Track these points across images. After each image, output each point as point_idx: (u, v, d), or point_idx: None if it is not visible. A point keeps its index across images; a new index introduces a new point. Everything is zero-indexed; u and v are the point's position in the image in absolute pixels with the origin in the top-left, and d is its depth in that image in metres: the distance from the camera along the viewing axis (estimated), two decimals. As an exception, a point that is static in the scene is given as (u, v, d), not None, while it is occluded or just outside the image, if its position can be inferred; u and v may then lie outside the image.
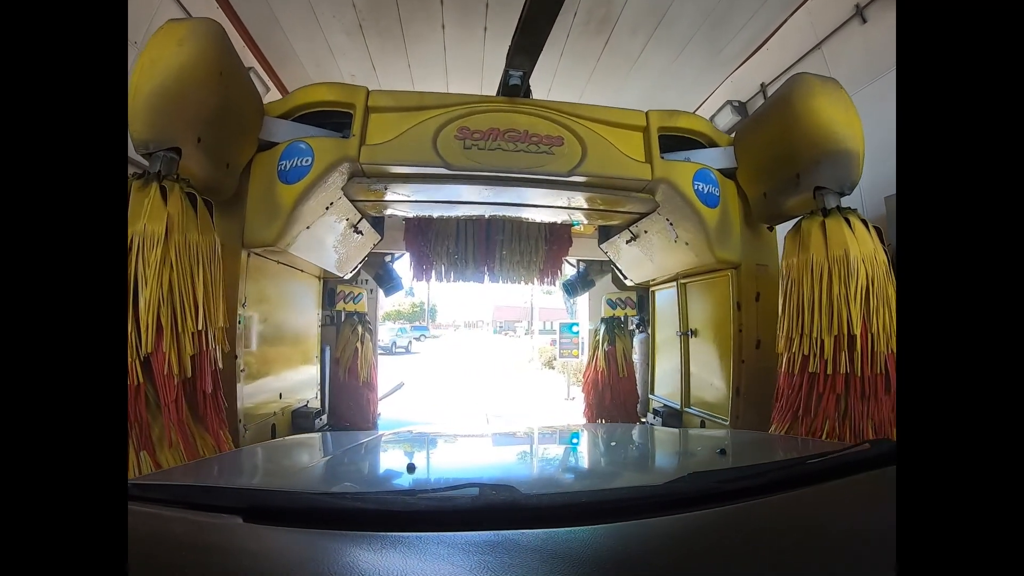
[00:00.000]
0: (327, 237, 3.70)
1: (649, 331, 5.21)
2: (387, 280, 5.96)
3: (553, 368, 16.42)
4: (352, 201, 3.48)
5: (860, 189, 3.05)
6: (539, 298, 26.07)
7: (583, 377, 6.33)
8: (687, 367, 4.37)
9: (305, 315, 4.38)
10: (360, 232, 3.98)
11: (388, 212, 3.85)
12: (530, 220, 5.18)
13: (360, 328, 5.60)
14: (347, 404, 5.18)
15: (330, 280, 4.95)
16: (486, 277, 5.44)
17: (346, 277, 4.78)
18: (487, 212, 3.87)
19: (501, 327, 51.35)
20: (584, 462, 1.95)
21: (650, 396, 5.13)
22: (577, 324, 9.51)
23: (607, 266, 6.35)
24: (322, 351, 5.55)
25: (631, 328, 6.17)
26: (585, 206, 3.63)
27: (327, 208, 3.30)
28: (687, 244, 3.69)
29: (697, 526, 0.85)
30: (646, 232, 4.00)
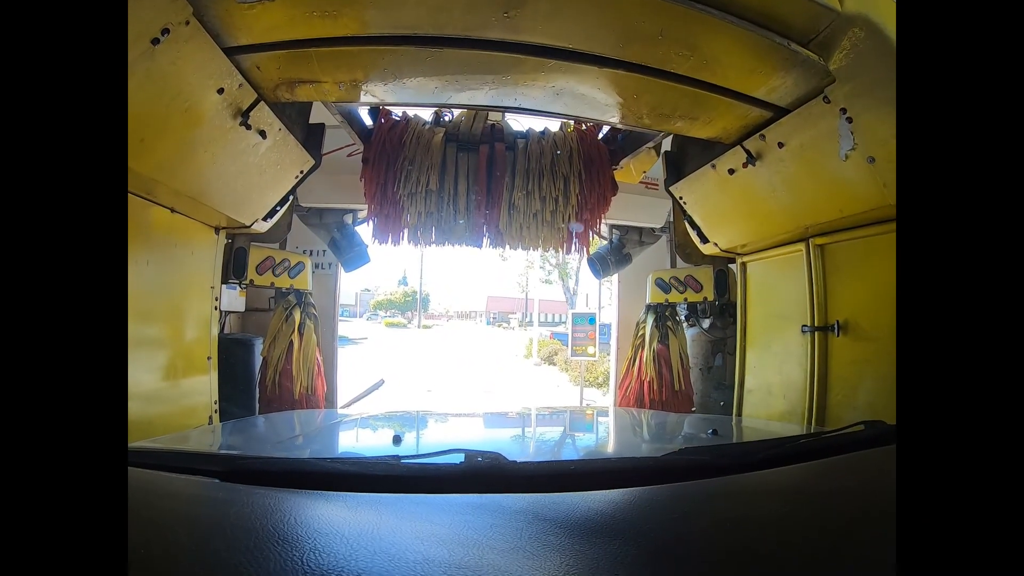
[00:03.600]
0: (185, 129, 1.90)
1: (736, 322, 3.42)
2: (347, 247, 4.19)
3: (554, 364, 14.79)
4: (224, 48, 1.72)
5: None
6: (535, 287, 24.45)
7: (620, 387, 4.56)
8: (822, 384, 2.61)
9: (181, 288, 2.57)
10: (261, 133, 2.17)
11: (299, 80, 2.02)
12: (562, 127, 3.44)
13: (298, 313, 3.81)
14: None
15: (240, 236, 3.14)
16: (485, 239, 3.61)
17: (260, 229, 2.96)
18: (497, 83, 2.02)
19: (495, 318, 49.89)
20: (575, 438, 1.91)
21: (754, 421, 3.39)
22: (594, 314, 7.73)
23: (650, 235, 4.65)
24: (246, 347, 3.80)
25: (679, 319, 4.45)
26: (694, 67, 1.87)
27: (155, 41, 1.51)
28: (871, 161, 1.98)
29: (685, 496, 0.84)
30: (781, 146, 2.22)
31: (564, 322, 10.42)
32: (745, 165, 2.41)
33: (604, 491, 0.80)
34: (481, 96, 2.15)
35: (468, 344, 24.96)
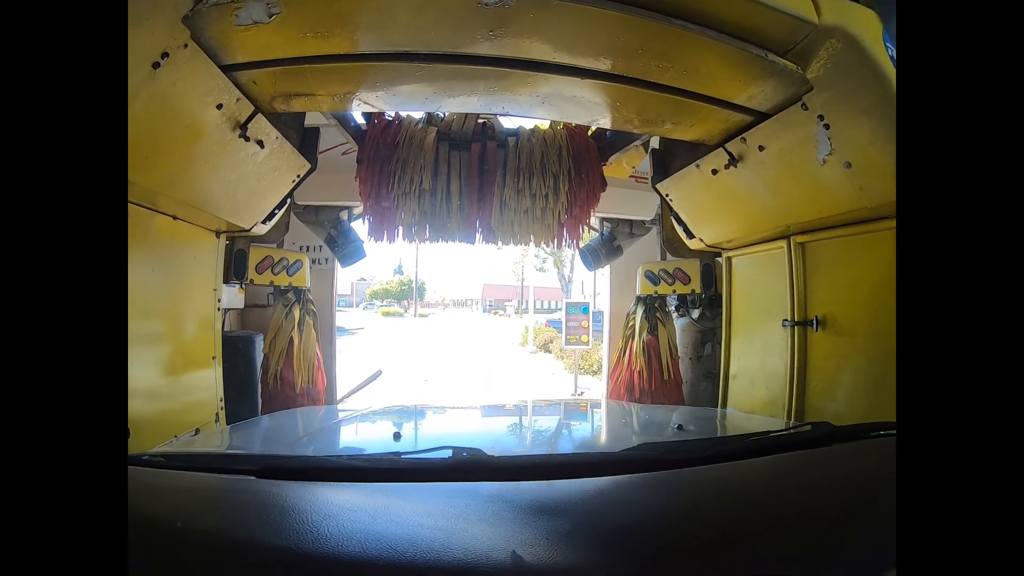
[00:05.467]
0: (187, 143, 1.97)
1: (722, 314, 3.52)
2: (343, 244, 4.24)
3: (550, 352, 14.86)
4: (221, 66, 1.78)
5: None
6: (531, 275, 24.44)
7: (611, 377, 4.68)
8: (801, 376, 2.73)
9: (186, 291, 2.65)
10: (259, 143, 2.24)
11: (295, 93, 2.09)
12: (552, 125, 3.49)
13: (298, 310, 3.90)
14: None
15: (240, 238, 3.21)
16: (478, 235, 3.69)
17: (260, 232, 3.03)
18: (486, 91, 2.10)
19: (491, 306, 49.94)
20: (550, 433, 2.04)
21: (720, 412, 3.50)
22: (587, 304, 7.85)
23: (640, 227, 4.72)
24: (248, 344, 3.88)
25: (668, 310, 4.55)
26: (674, 78, 1.94)
27: (156, 66, 1.58)
28: (847, 166, 2.06)
29: (632, 486, 0.93)
30: (761, 149, 2.31)
31: (560, 309, 10.50)
32: (727, 166, 2.49)
33: (564, 480, 0.92)
34: (471, 103, 2.22)
35: (464, 332, 25.01)
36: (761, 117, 2.19)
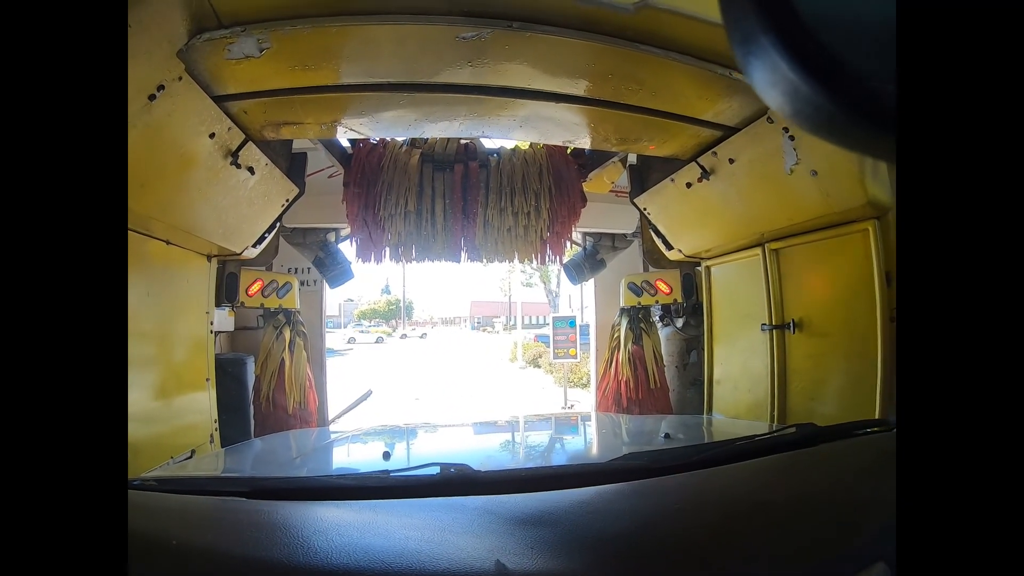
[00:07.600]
0: (180, 171, 2.04)
1: (704, 322, 3.62)
2: (332, 266, 4.30)
3: (539, 367, 14.91)
4: (214, 97, 1.87)
5: None
6: (518, 291, 24.54)
7: (598, 388, 4.75)
8: (781, 377, 2.82)
9: (179, 315, 2.70)
10: (249, 170, 2.32)
11: (284, 122, 2.18)
12: (532, 145, 3.60)
13: (288, 331, 3.93)
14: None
15: (230, 262, 3.27)
16: (463, 254, 3.77)
17: (250, 255, 3.10)
18: (467, 117, 2.20)
19: (479, 323, 49.87)
20: (537, 446, 2.09)
21: (707, 418, 3.59)
22: (574, 318, 7.95)
23: (622, 240, 4.83)
24: (240, 366, 3.91)
25: (652, 320, 4.64)
26: (644, 98, 2.06)
27: (152, 97, 1.66)
28: (814, 174, 2.17)
29: (624, 494, 0.95)
30: (731, 162, 2.43)
31: (548, 324, 10.59)
32: (700, 179, 2.61)
33: (550, 492, 0.94)
34: (452, 128, 2.32)
35: (454, 349, 24.98)
36: (730, 131, 2.32)
